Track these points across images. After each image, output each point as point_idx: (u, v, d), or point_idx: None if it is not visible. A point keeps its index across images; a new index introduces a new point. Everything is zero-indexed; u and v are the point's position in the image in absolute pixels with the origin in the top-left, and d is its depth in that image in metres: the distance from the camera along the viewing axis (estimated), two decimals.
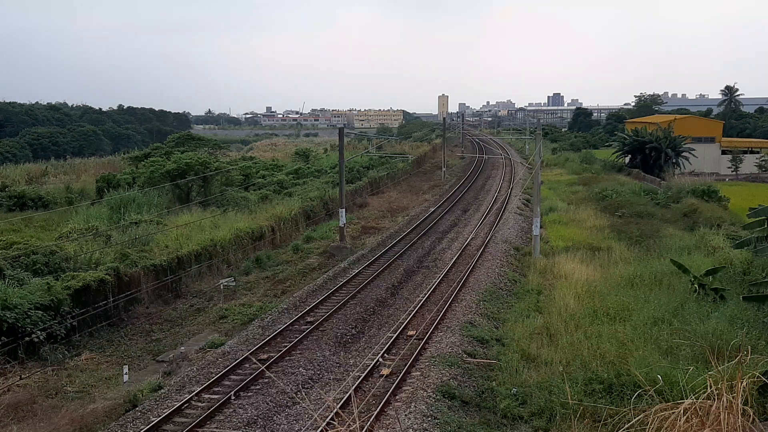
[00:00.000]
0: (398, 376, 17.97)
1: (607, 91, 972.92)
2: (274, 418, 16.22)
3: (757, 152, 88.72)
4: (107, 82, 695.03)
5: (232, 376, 18.72)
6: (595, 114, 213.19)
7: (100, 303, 23.69)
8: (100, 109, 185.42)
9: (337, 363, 19.86)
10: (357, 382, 17.75)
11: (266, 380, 18.04)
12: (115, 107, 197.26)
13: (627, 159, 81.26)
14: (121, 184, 50.85)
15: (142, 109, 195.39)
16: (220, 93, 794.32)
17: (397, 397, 16.98)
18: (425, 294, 26.27)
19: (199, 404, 16.97)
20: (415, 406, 16.16)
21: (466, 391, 17.42)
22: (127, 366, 19.85)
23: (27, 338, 20.35)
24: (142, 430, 15.32)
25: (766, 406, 13.43)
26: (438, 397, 16.82)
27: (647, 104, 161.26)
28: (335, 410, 14.73)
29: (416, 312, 24.01)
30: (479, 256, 32.36)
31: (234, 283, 29.63)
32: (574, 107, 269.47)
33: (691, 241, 34.26)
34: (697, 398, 7.56)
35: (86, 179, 61.63)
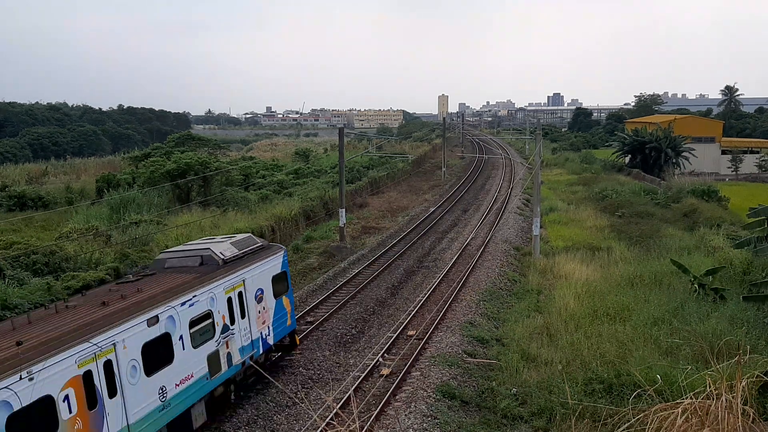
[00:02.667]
0: (398, 376, 17.96)
1: (607, 91, 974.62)
2: (274, 417, 16.22)
3: (757, 152, 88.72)
4: (107, 82, 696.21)
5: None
6: (595, 114, 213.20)
7: None
8: (100, 109, 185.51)
9: (337, 363, 19.86)
10: (357, 382, 17.75)
11: (266, 380, 18.02)
12: (115, 107, 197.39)
13: (627, 159, 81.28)
14: (121, 184, 50.88)
15: (142, 109, 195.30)
16: (220, 93, 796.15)
17: (397, 397, 16.97)
18: (425, 294, 26.27)
19: None
20: (415, 406, 16.15)
21: (466, 391, 17.41)
22: None
23: None
24: None
25: (766, 406, 13.42)
26: (438, 397, 16.81)
27: (647, 104, 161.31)
28: (335, 410, 14.74)
29: (416, 312, 24.01)
30: (479, 256, 32.35)
31: None
32: (574, 107, 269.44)
33: (691, 241, 34.25)
34: (696, 398, 7.56)
35: (86, 179, 61.72)
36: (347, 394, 16.16)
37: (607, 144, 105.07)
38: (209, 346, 14.90)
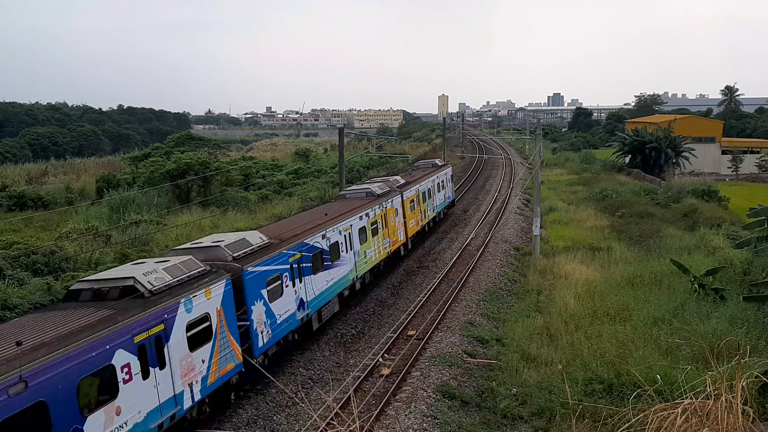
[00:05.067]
0: (398, 376, 17.97)
1: (607, 91, 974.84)
2: (274, 418, 16.22)
3: (757, 152, 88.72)
4: (107, 82, 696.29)
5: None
6: (595, 114, 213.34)
7: None
8: (100, 109, 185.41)
9: (337, 363, 19.87)
10: (357, 382, 17.75)
11: (266, 380, 18.01)
12: (115, 107, 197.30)
13: (627, 159, 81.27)
14: (121, 184, 50.92)
15: (142, 109, 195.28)
16: (220, 93, 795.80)
17: (397, 397, 16.96)
18: (425, 294, 26.26)
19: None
20: (415, 406, 16.15)
21: (466, 391, 17.41)
22: None
23: None
24: None
25: (766, 406, 13.42)
26: (438, 397, 16.80)
27: (647, 104, 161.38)
28: (335, 410, 14.73)
29: (416, 312, 24.01)
30: (479, 256, 32.33)
31: None
32: (574, 107, 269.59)
33: (691, 241, 34.26)
34: (696, 398, 7.56)
35: (86, 179, 61.69)
36: (347, 394, 16.15)
37: (607, 144, 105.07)
38: (441, 194, 41.32)
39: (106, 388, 11.77)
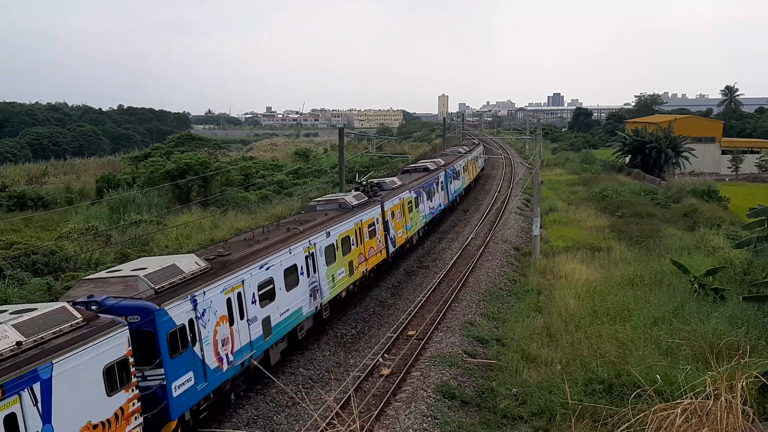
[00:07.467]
0: (398, 376, 17.97)
1: (607, 91, 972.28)
2: (274, 418, 16.22)
3: (757, 152, 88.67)
4: (107, 82, 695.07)
5: None
6: (595, 114, 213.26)
7: None
8: (100, 109, 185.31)
9: (337, 363, 19.87)
10: (357, 382, 17.75)
11: (266, 380, 18.02)
12: (115, 107, 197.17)
13: (627, 159, 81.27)
14: (121, 184, 50.93)
15: (142, 109, 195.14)
16: (220, 93, 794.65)
17: (397, 397, 16.97)
18: (425, 294, 26.26)
19: None
20: (415, 406, 16.15)
21: (466, 391, 17.41)
22: None
23: None
24: None
25: (766, 406, 13.43)
26: (438, 397, 16.81)
27: (647, 104, 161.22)
28: (335, 410, 14.73)
29: (416, 312, 24.01)
30: (479, 256, 32.34)
31: None
32: (574, 107, 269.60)
33: (691, 241, 34.26)
34: (696, 398, 7.56)
35: (86, 179, 61.73)
36: (347, 394, 16.16)
37: (607, 144, 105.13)
38: (480, 161, 67.39)
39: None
